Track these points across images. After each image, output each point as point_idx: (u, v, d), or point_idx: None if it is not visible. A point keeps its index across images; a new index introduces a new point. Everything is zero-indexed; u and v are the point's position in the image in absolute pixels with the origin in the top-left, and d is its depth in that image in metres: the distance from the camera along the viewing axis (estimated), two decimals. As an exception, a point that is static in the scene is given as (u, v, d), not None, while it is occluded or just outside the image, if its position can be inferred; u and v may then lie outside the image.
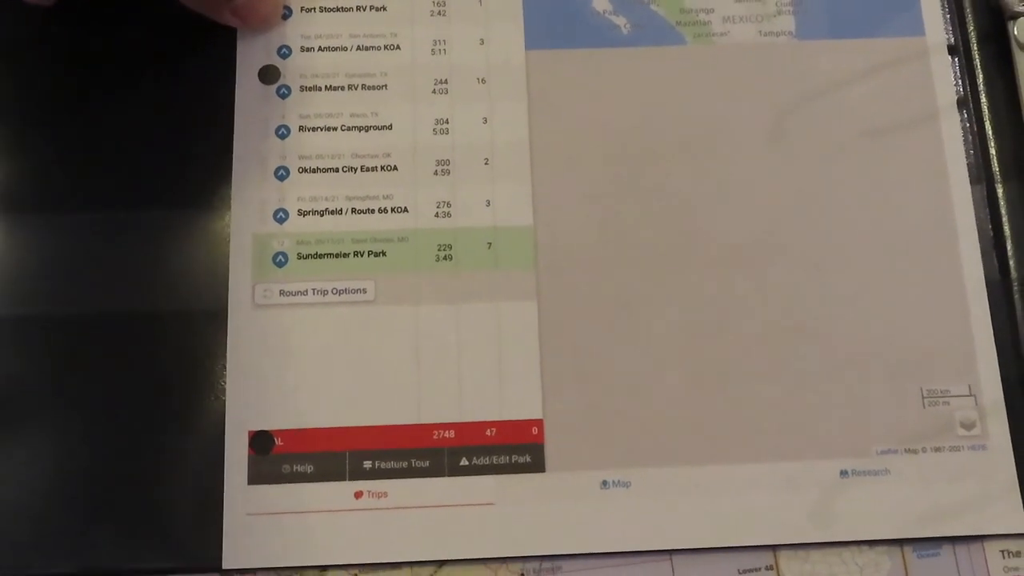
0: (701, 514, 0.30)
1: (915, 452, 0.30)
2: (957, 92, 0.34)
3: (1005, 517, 0.30)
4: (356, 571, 0.30)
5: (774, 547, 0.30)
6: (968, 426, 0.31)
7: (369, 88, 0.33)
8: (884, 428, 0.31)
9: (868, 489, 0.30)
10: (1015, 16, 0.33)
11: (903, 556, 0.30)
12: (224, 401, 0.30)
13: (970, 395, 0.31)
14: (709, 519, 0.30)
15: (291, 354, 0.30)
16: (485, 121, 0.33)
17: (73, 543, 0.29)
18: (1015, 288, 0.32)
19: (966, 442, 0.31)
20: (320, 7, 0.34)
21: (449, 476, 0.30)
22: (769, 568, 0.30)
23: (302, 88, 0.33)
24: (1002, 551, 0.31)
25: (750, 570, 0.30)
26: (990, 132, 0.33)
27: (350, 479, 0.30)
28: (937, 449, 0.30)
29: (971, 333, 0.31)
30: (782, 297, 0.31)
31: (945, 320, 0.31)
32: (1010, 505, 0.30)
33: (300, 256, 0.31)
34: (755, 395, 0.31)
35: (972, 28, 0.34)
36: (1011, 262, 0.32)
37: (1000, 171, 0.33)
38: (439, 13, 0.34)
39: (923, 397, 0.31)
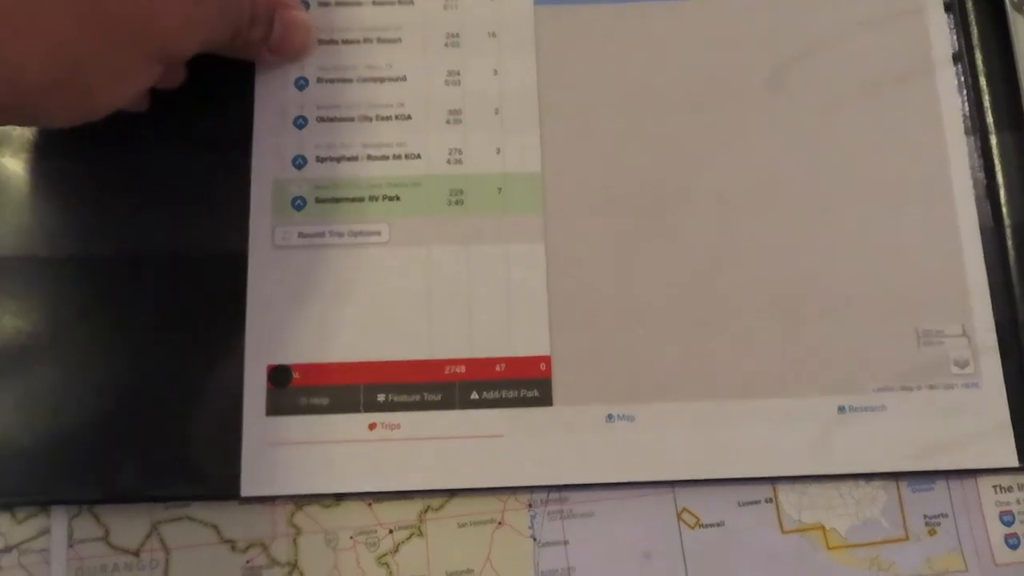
0: (703, 447, 0.30)
1: (910, 389, 0.30)
2: (952, 47, 0.33)
3: (997, 453, 0.30)
4: (370, 500, 0.30)
5: (773, 480, 0.30)
6: (962, 364, 0.30)
7: (384, 41, 0.33)
8: (881, 366, 0.30)
9: (865, 425, 0.30)
10: (1009, -28, 0.33)
11: (898, 490, 0.30)
12: (244, 337, 0.30)
13: (964, 335, 0.31)
14: (710, 452, 0.30)
15: (309, 293, 0.30)
16: (495, 73, 0.33)
17: (100, 470, 0.29)
18: (1008, 234, 0.32)
19: (960, 380, 0.30)
20: (337, -36, 0.33)
21: (460, 409, 0.30)
22: (768, 500, 0.30)
23: (320, 41, 0.33)
24: (994, 486, 0.30)
25: (750, 502, 0.30)
26: (984, 85, 0.33)
27: (364, 411, 0.30)
28: (932, 387, 0.30)
29: (965, 276, 0.31)
30: (783, 240, 0.31)
31: (940, 263, 0.31)
32: (1002, 441, 0.30)
33: (318, 200, 0.31)
34: (756, 333, 0.30)
35: (967, -15, 0.34)
36: (1004, 209, 0.32)
37: (994, 122, 0.33)
38: (452, -31, 0.33)
39: (918, 337, 0.31)
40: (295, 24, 0.31)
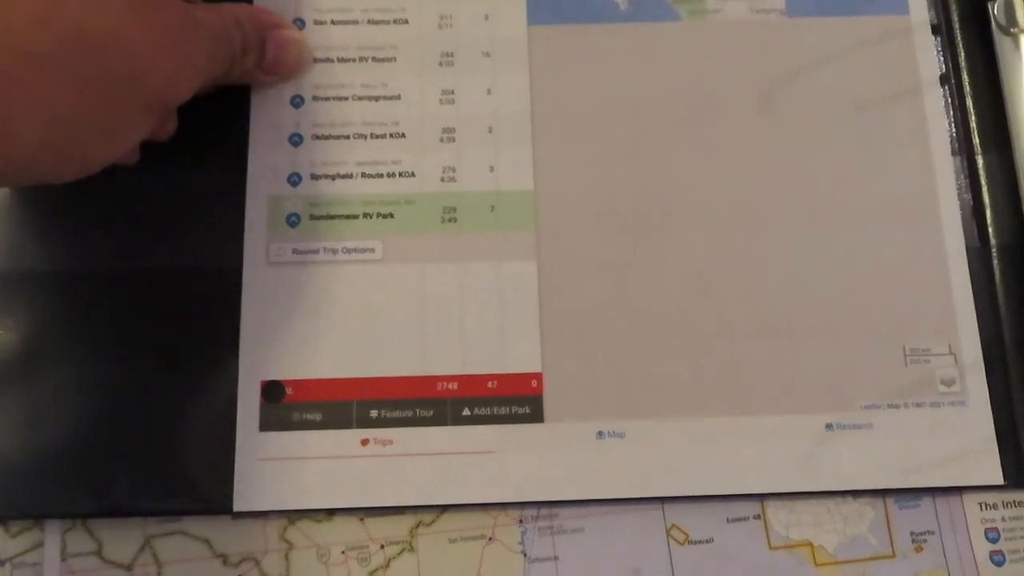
0: (692, 464, 0.30)
1: (897, 407, 0.30)
2: (939, 68, 0.34)
3: (982, 470, 0.30)
4: (362, 515, 0.30)
5: (762, 496, 0.30)
6: (948, 383, 0.31)
7: (379, 60, 0.33)
8: (868, 384, 0.30)
9: (852, 442, 0.30)
10: (994, -3, 0.33)
11: (885, 507, 0.30)
12: (238, 352, 0.30)
13: (950, 354, 0.31)
14: (699, 469, 0.30)
15: (302, 309, 0.30)
16: (489, 92, 0.33)
17: (93, 484, 0.29)
18: (993, 253, 0.32)
19: (946, 398, 0.30)
20: (333, -17, 0.34)
21: (452, 425, 0.30)
22: (757, 517, 0.30)
23: (316, 60, 0.33)
24: (980, 503, 0.31)
25: (739, 519, 0.30)
26: (970, 106, 0.33)
27: (357, 427, 0.30)
28: (918, 405, 0.30)
29: (951, 295, 0.31)
30: (771, 259, 0.31)
31: (927, 283, 0.31)
32: (987, 459, 0.30)
33: (312, 217, 0.31)
34: (745, 351, 0.31)
35: (954, 8, 0.34)
36: (990, 229, 0.32)
37: (980, 143, 0.33)
38: (446, -12, 0.34)
39: (905, 355, 0.31)
40: (288, 43, 0.31)
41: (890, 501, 0.30)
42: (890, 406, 0.30)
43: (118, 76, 0.24)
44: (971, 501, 0.30)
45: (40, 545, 0.29)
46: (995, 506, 0.30)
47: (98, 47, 0.23)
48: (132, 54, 0.24)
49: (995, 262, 0.32)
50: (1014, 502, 0.30)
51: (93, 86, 0.23)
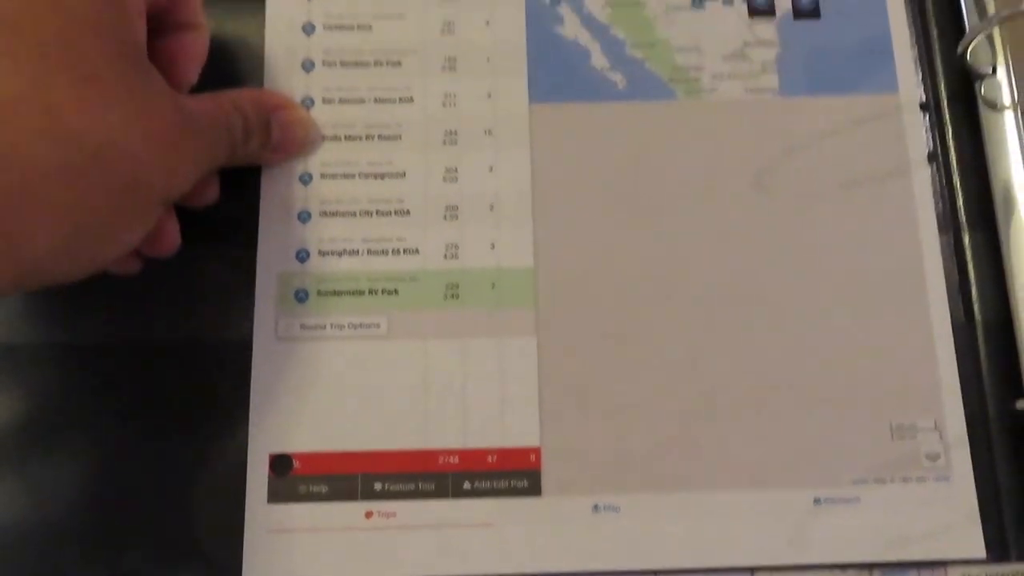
0: (685, 537, 0.31)
1: (884, 482, 0.31)
2: (928, 146, 0.34)
3: (966, 544, 0.31)
4: (366, 585, 0.31)
5: (752, 569, 0.31)
6: (933, 458, 0.31)
7: (385, 138, 0.34)
8: (856, 459, 0.31)
9: (840, 516, 0.31)
10: (981, 77, 0.34)
11: (872, 578, 0.31)
12: (247, 425, 0.31)
13: (935, 430, 0.32)
14: (692, 541, 0.31)
15: (310, 383, 0.32)
16: (491, 170, 0.34)
17: (107, 554, 0.30)
18: (979, 331, 0.33)
19: (931, 473, 0.31)
20: (340, 62, 0.35)
21: (453, 498, 0.31)
22: (747, 588, 0.31)
23: (324, 137, 0.34)
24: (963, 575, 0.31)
25: (730, 589, 0.31)
26: (958, 185, 0.34)
27: (362, 499, 0.31)
28: (904, 479, 0.31)
29: (937, 372, 0.32)
30: (764, 336, 0.32)
31: (913, 359, 0.32)
32: (970, 533, 0.31)
33: (320, 293, 0.32)
34: (737, 427, 0.32)
35: (942, 87, 0.35)
36: (975, 306, 0.33)
37: (967, 221, 0.34)
38: (449, 68, 0.35)
39: (892, 430, 0.32)
40: (293, 123, 0.32)
41: (877, 573, 0.31)
42: (877, 480, 0.31)
43: (118, 179, 0.24)
44: (956, 573, 0.31)
45: (56, 612, 0.30)
46: (978, 578, 0.31)
47: (98, 154, 0.24)
48: (131, 157, 0.25)
49: (980, 338, 0.33)
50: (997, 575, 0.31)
51: (95, 191, 0.24)
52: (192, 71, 0.31)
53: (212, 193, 0.32)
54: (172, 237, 0.30)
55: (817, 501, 0.31)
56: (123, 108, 0.24)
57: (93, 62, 0.24)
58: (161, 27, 0.30)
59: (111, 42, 0.25)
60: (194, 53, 0.31)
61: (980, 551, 0.31)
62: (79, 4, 0.24)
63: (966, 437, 0.32)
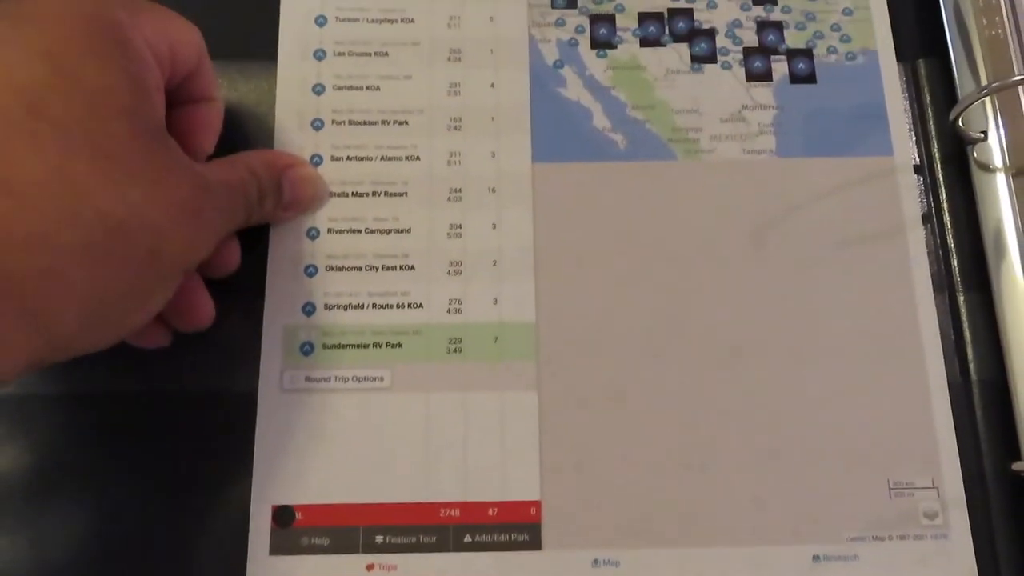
0: (684, 593, 0.31)
1: (882, 539, 0.31)
2: (922, 208, 0.35)
3: (965, 603, 0.31)
4: (366, 638, 0.31)
5: (751, 626, 0.31)
6: (931, 516, 0.32)
7: (391, 195, 0.35)
8: (854, 516, 0.32)
9: (839, 573, 0.31)
10: (973, 142, 0.35)
11: (871, 637, 0.31)
12: (251, 476, 0.31)
13: (933, 487, 0.32)
14: (691, 598, 0.31)
15: (314, 435, 0.32)
16: (494, 227, 0.34)
17: (109, 606, 0.30)
18: (975, 389, 0.33)
19: (929, 531, 0.31)
20: (349, 120, 0.36)
21: (454, 552, 0.31)
22: (746, 645, 0.31)
23: (332, 194, 0.35)
24: (963, 635, 0.31)
25: (729, 647, 0.31)
26: (952, 245, 0.35)
27: (363, 552, 0.31)
28: (902, 537, 0.31)
29: (934, 430, 0.32)
30: (762, 393, 0.33)
31: (910, 417, 0.33)
32: (970, 592, 0.31)
33: (325, 346, 0.33)
34: (735, 484, 0.32)
35: (936, 150, 0.36)
36: (971, 365, 0.33)
37: (961, 281, 0.34)
38: (455, 128, 0.36)
39: (890, 488, 0.32)
40: (303, 181, 0.33)
41: (876, 632, 0.31)
42: (875, 538, 0.31)
43: (140, 252, 0.25)
44: (954, 632, 0.31)
45: (58, 662, 0.30)
46: (978, 638, 0.31)
47: (119, 229, 0.24)
48: (152, 230, 0.25)
49: (976, 397, 0.33)
50: (996, 635, 0.31)
51: (118, 265, 0.25)
52: (209, 141, 0.32)
53: (234, 260, 0.32)
54: (206, 310, 0.31)
55: (816, 558, 0.31)
56: (144, 183, 0.25)
57: (114, 140, 0.25)
58: (178, 100, 0.31)
59: (131, 119, 0.25)
60: (210, 124, 0.32)
61: (979, 611, 0.31)
62: (99, 84, 0.25)
63: (964, 496, 0.32)
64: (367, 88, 0.36)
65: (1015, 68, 0.34)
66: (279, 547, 0.31)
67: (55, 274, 0.23)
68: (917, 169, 0.36)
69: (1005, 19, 0.35)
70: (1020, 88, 0.34)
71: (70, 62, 0.24)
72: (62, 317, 0.24)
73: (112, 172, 0.24)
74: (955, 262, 0.35)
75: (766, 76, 0.37)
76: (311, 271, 0.34)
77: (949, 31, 0.36)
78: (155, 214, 0.25)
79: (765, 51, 0.37)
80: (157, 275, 0.26)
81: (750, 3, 0.37)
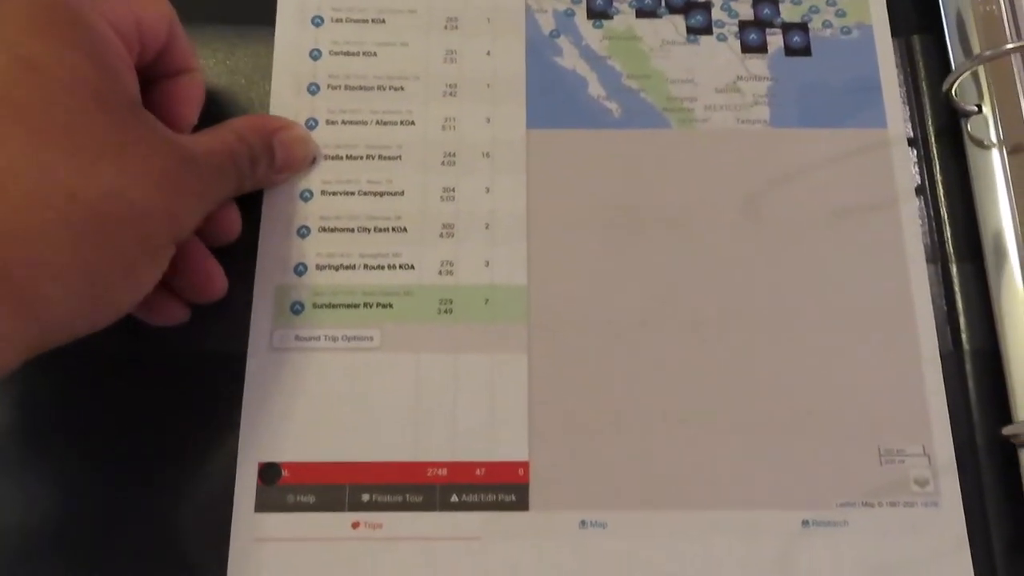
0: (671, 555, 0.30)
1: (872, 506, 0.31)
2: (915, 180, 0.35)
3: (955, 569, 0.30)
4: (350, 597, 0.30)
5: (739, 590, 0.31)
6: (922, 483, 0.31)
7: (385, 158, 0.35)
8: (844, 483, 0.31)
9: (828, 539, 0.31)
10: (967, 114, 0.35)
11: (860, 604, 0.31)
12: (238, 434, 0.31)
13: (924, 455, 0.32)
14: (679, 560, 0.30)
15: (302, 393, 0.32)
16: (487, 191, 0.34)
17: (93, 561, 0.30)
18: (966, 358, 0.33)
19: (920, 498, 0.31)
20: (345, 86, 0.36)
21: (440, 511, 0.31)
22: (734, 610, 0.31)
23: (326, 157, 0.35)
24: (953, 603, 0.31)
25: (716, 611, 0.31)
26: (945, 217, 0.35)
27: (349, 510, 0.30)
28: (892, 504, 0.31)
29: (926, 398, 0.32)
30: (753, 360, 0.33)
31: (902, 386, 0.32)
32: (959, 559, 0.31)
33: (315, 305, 0.33)
34: (725, 448, 0.31)
35: (930, 123, 0.36)
36: (963, 335, 0.33)
37: (954, 252, 0.34)
38: (450, 94, 0.36)
39: (880, 455, 0.32)
40: (293, 142, 0.33)
41: (865, 598, 0.31)
42: (865, 504, 0.31)
43: (121, 227, 0.25)
44: (944, 601, 0.31)
45: (42, 615, 0.30)
46: (968, 606, 0.31)
47: (96, 207, 0.24)
48: (130, 204, 0.25)
49: (968, 367, 0.33)
50: (986, 603, 0.31)
51: (100, 242, 0.24)
52: (190, 113, 0.32)
53: (235, 228, 0.32)
54: (219, 281, 0.31)
55: (805, 523, 0.31)
56: (116, 158, 0.25)
57: (82, 120, 0.24)
58: (156, 74, 0.31)
59: (97, 98, 0.25)
60: (190, 95, 0.32)
61: (968, 577, 0.30)
62: (62, 67, 0.24)
63: (955, 463, 0.32)
64: (364, 54, 0.36)
65: (1008, 39, 0.34)
66: (264, 504, 0.30)
67: (33, 256, 0.23)
68: (911, 142, 0.36)
69: (999, -6, 0.35)
70: (1013, 59, 0.34)
71: (30, 49, 0.24)
72: (50, 298, 0.24)
73: (82, 152, 0.24)
74: (948, 233, 0.34)
75: (761, 48, 0.37)
76: (304, 232, 0.34)
77: (944, 5, 0.36)
78: (131, 189, 0.25)
79: (760, 24, 0.37)
80: (143, 249, 0.26)
81: (746, -23, 0.38)
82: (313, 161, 0.34)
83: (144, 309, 0.31)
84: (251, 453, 0.31)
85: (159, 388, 0.32)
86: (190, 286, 0.31)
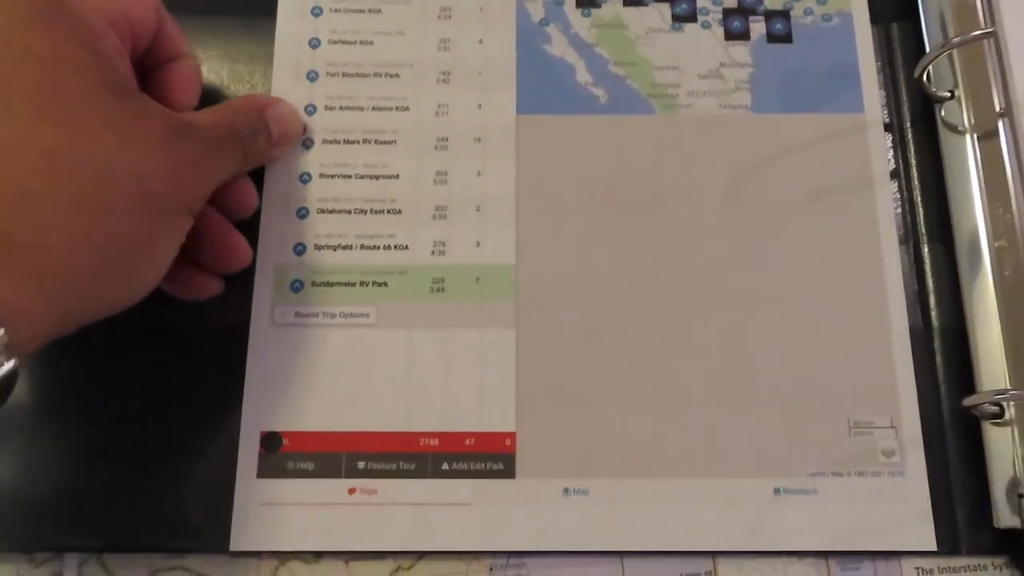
0: (649, 521, 0.32)
1: (841, 475, 0.33)
2: (890, 164, 0.36)
3: (918, 537, 0.32)
4: (347, 559, 0.32)
5: (713, 554, 0.32)
6: (888, 454, 0.33)
7: (381, 143, 0.36)
8: (814, 453, 0.33)
9: (798, 506, 0.32)
10: (940, 101, 0.36)
11: (828, 568, 0.33)
12: (241, 404, 0.33)
13: (891, 427, 0.33)
14: (656, 526, 0.32)
15: (301, 367, 0.33)
16: (479, 174, 0.36)
17: (109, 522, 0.32)
18: (935, 336, 0.34)
19: (886, 468, 0.33)
20: (343, 73, 0.37)
21: (432, 478, 0.32)
22: (709, 573, 0.32)
23: (324, 141, 0.36)
24: (916, 568, 0.33)
25: (692, 574, 0.32)
26: (918, 200, 0.36)
27: (345, 477, 0.32)
28: (860, 473, 0.33)
29: (895, 373, 0.34)
30: (731, 335, 0.34)
31: (872, 361, 0.34)
32: (923, 527, 0.32)
33: (314, 284, 0.34)
34: (703, 420, 0.33)
35: (906, 109, 0.37)
36: (932, 313, 0.34)
37: (926, 234, 0.35)
38: (444, 81, 0.37)
39: (850, 427, 0.33)
40: (285, 116, 0.34)
41: (833, 563, 0.33)
42: (834, 474, 0.33)
43: (129, 196, 0.26)
44: (908, 565, 0.33)
45: (60, 574, 0.32)
46: (931, 571, 0.33)
47: (100, 179, 0.25)
48: (134, 173, 0.26)
49: (936, 343, 0.34)
50: (948, 568, 0.32)
51: (111, 212, 0.25)
52: (188, 96, 0.33)
53: (251, 200, 0.33)
54: (244, 250, 0.33)
55: (777, 491, 0.32)
56: (115, 132, 0.26)
57: (78, 96, 0.25)
58: (151, 63, 0.32)
59: (90, 77, 0.26)
60: (185, 80, 0.33)
61: (931, 544, 0.32)
62: (48, 50, 0.25)
63: (921, 435, 0.33)
64: (361, 43, 0.37)
65: (981, 26, 0.35)
66: (266, 470, 0.32)
67: (45, 229, 0.24)
68: (887, 127, 0.37)
69: (975, -17, 0.36)
70: (985, 45, 0.35)
71: (29, 40, 0.25)
72: (66, 272, 0.24)
73: (85, 127, 0.25)
74: (921, 216, 0.36)
75: (744, 36, 0.38)
76: (303, 213, 0.35)
77: (921, -6, 0.37)
78: (134, 158, 0.26)
79: (744, 12, 0.38)
80: (155, 218, 0.27)
81: (731, -34, 0.39)
82: (304, 131, 0.36)
83: (175, 285, 0.32)
84: (254, 422, 0.33)
85: (167, 361, 0.33)
86: (216, 259, 0.32)
